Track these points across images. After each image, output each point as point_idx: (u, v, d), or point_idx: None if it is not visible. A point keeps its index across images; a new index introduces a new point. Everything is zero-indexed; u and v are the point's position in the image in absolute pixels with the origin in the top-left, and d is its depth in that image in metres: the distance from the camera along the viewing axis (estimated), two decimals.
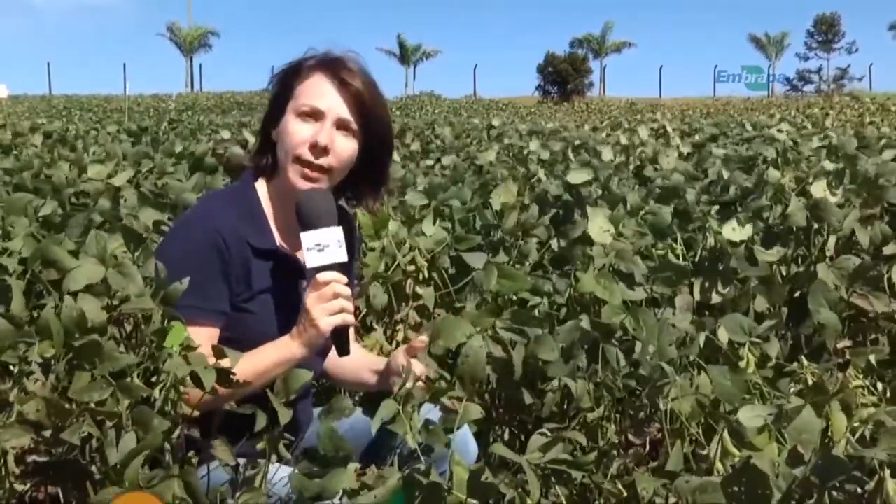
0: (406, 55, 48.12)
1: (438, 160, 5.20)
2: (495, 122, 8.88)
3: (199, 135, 8.05)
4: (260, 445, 1.26)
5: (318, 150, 1.56)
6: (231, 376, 1.22)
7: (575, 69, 42.07)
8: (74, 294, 1.24)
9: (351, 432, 1.45)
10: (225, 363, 1.25)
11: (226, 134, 6.84)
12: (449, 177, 4.03)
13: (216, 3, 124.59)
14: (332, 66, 1.61)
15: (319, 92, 1.58)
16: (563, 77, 41.67)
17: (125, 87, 24.50)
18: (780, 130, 6.28)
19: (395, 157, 5.43)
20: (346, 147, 1.60)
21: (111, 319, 1.21)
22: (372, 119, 1.62)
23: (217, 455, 1.15)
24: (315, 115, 1.57)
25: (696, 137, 6.57)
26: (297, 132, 1.57)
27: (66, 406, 1.04)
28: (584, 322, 1.81)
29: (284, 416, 1.22)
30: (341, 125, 1.59)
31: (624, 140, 5.80)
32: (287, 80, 1.63)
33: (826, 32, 47.73)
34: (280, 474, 1.32)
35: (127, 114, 16.79)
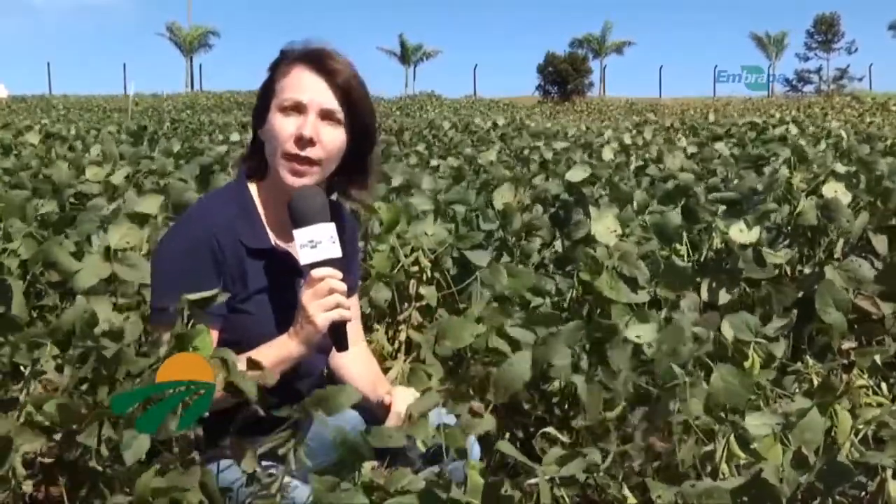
0: (407, 55, 48.04)
1: (440, 162, 5.21)
2: (500, 122, 8.92)
3: (200, 134, 8.06)
4: (280, 450, 1.24)
5: (304, 142, 1.54)
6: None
7: (575, 69, 41.99)
8: (87, 295, 1.23)
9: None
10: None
11: (234, 136, 6.83)
12: (451, 176, 4.04)
13: (216, 3, 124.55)
14: (312, 57, 1.58)
15: (300, 84, 1.56)
16: (563, 77, 41.60)
17: (125, 87, 24.43)
18: (788, 131, 6.30)
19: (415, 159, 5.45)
20: (333, 137, 1.57)
21: (127, 319, 1.21)
22: (356, 106, 1.60)
23: (238, 460, 1.14)
24: (298, 108, 1.55)
25: (703, 135, 6.58)
26: (281, 128, 1.55)
27: (81, 409, 1.03)
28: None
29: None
30: (325, 115, 1.56)
31: (627, 139, 5.81)
32: (269, 78, 1.61)
33: (826, 32, 47.67)
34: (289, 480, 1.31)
35: (130, 113, 16.72)
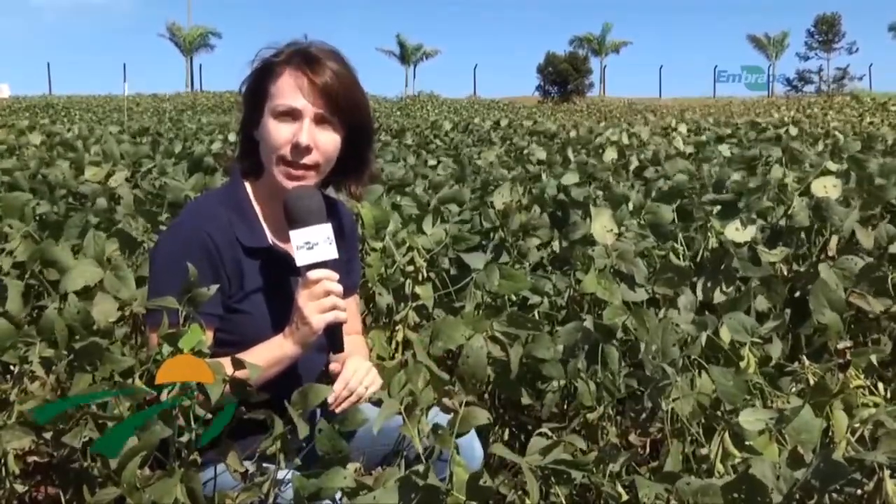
0: (406, 55, 48.07)
1: (442, 161, 5.20)
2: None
3: (199, 134, 8.06)
4: (268, 448, 1.24)
5: (301, 150, 1.54)
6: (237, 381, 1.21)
7: (575, 69, 41.98)
8: (78, 294, 1.23)
9: (380, 434, 1.43)
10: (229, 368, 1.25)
11: (232, 136, 6.85)
12: (449, 176, 4.03)
13: (217, 3, 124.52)
14: (303, 61, 1.57)
15: (293, 90, 1.55)
16: (563, 77, 41.60)
17: (124, 88, 24.39)
18: (787, 132, 6.29)
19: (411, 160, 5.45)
20: (328, 141, 1.58)
21: (119, 320, 1.20)
22: (349, 108, 1.59)
23: (226, 461, 1.14)
24: (292, 114, 1.55)
25: (703, 136, 6.57)
26: (277, 134, 1.55)
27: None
28: (588, 322, 1.80)
29: (303, 429, 1.21)
30: (320, 120, 1.56)
31: (625, 140, 5.81)
32: (260, 81, 1.60)
33: (826, 32, 47.69)
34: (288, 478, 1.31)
35: (126, 114, 16.70)
